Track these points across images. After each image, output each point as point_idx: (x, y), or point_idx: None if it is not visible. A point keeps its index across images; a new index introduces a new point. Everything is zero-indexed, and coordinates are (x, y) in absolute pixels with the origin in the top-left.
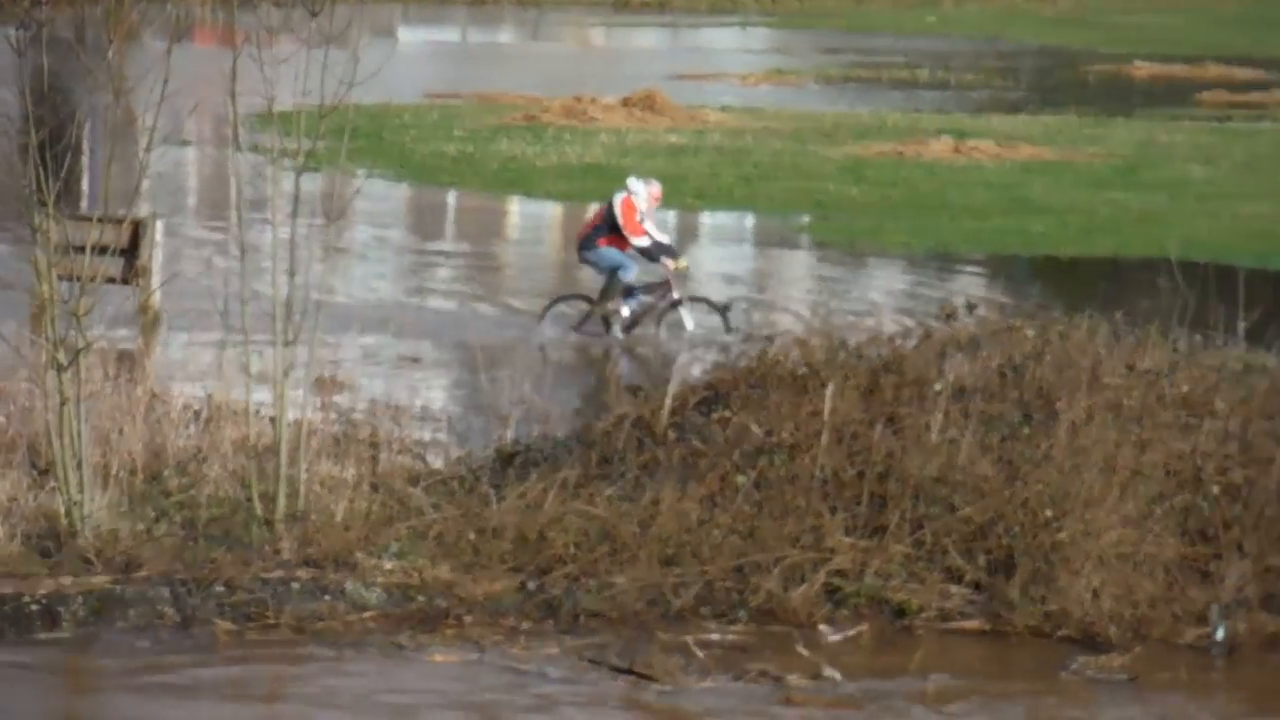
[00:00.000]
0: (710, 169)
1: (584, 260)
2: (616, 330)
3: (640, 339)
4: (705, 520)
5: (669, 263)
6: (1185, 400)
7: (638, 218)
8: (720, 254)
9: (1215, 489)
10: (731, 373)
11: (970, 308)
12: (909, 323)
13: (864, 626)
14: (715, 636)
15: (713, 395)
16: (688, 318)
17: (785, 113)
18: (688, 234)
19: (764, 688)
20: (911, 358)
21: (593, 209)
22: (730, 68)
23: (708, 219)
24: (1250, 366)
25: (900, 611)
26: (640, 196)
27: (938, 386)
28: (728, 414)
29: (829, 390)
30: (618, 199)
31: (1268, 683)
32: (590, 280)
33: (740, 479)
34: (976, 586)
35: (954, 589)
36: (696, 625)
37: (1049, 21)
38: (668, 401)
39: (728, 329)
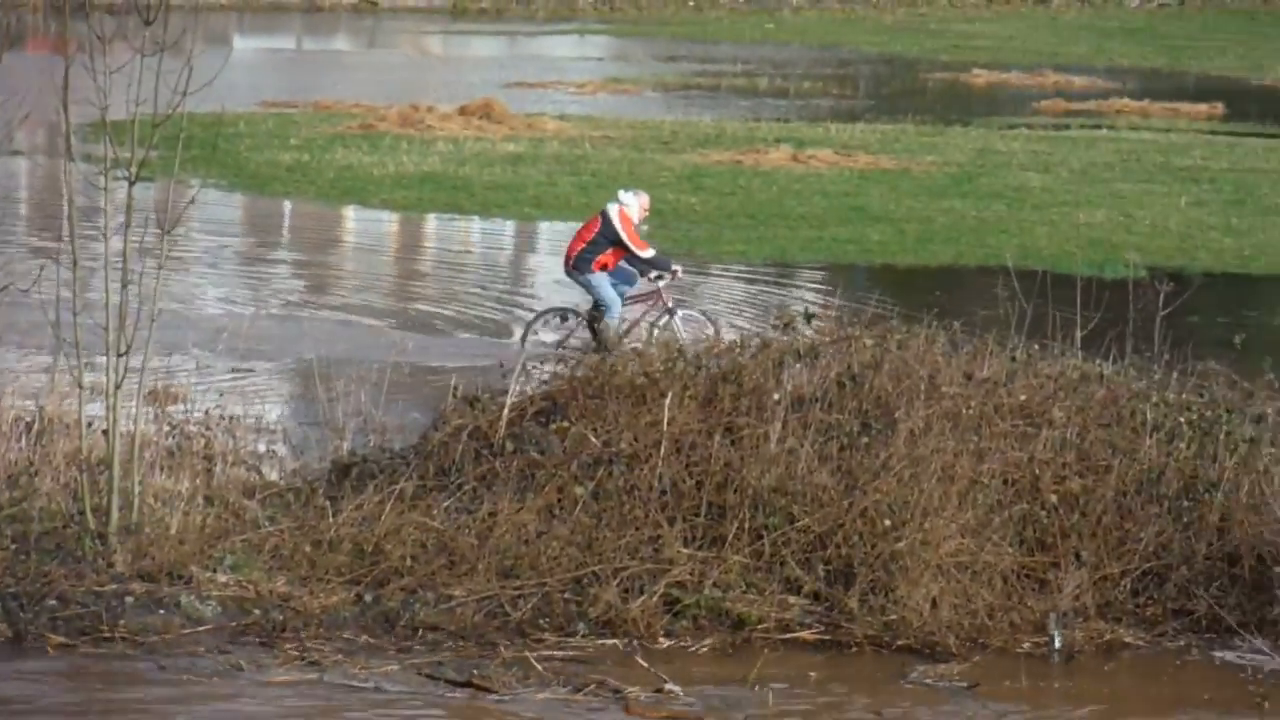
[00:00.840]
0: (548, 178)
1: (575, 279)
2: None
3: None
4: (543, 532)
5: (673, 270)
6: (1023, 409)
7: (636, 230)
8: (559, 264)
9: (1053, 498)
10: (570, 383)
11: (808, 317)
12: (748, 332)
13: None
14: (556, 652)
15: (551, 405)
16: (680, 326)
17: (623, 121)
18: (525, 244)
19: (603, 699)
20: (750, 367)
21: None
22: (568, 76)
23: (546, 228)
24: (1087, 375)
25: (739, 622)
26: (633, 208)
27: (776, 396)
28: (566, 424)
29: (667, 400)
30: (613, 211)
31: (1104, 690)
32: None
33: (578, 490)
34: (815, 597)
35: (793, 599)
36: (535, 637)
37: (887, 30)
38: (505, 412)
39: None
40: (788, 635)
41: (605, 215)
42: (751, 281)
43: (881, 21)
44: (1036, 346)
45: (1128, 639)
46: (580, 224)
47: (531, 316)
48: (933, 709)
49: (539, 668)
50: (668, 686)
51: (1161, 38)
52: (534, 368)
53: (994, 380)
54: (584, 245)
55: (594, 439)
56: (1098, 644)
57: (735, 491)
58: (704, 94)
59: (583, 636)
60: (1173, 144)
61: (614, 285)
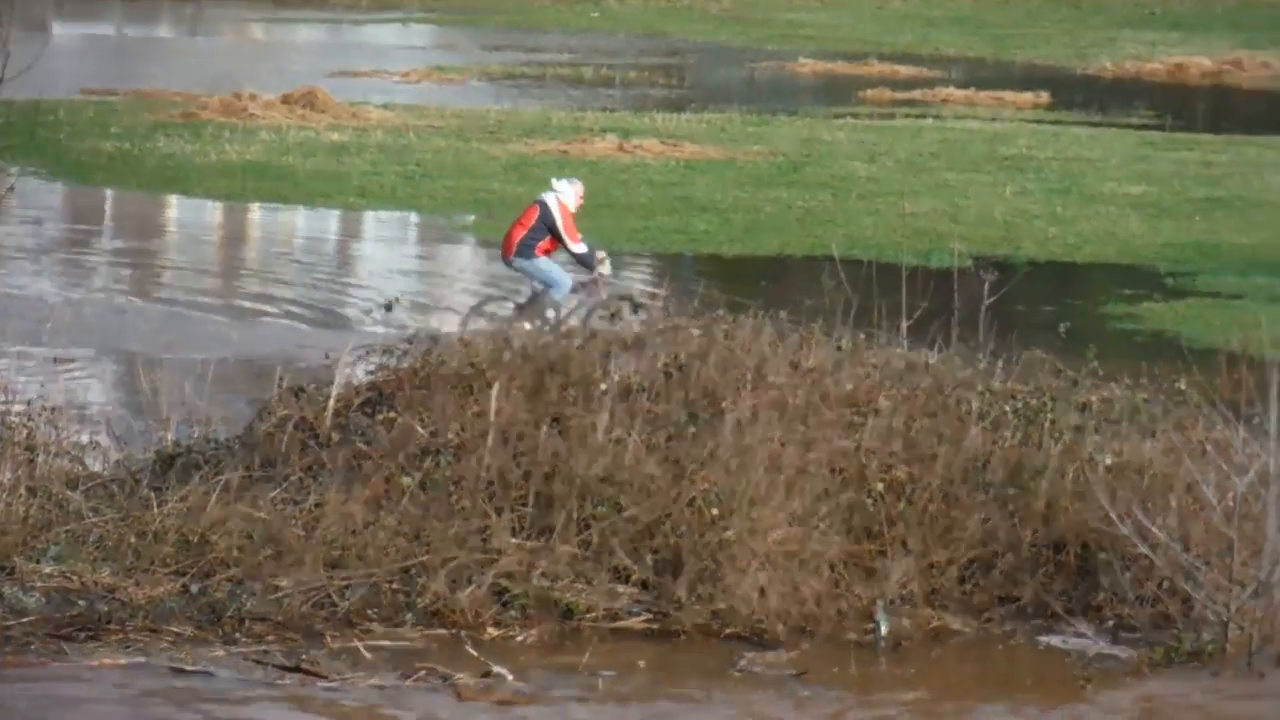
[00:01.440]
0: (372, 167)
1: (515, 268)
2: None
3: None
4: (371, 522)
5: (601, 267)
6: (849, 398)
7: (574, 220)
8: (384, 254)
9: (879, 486)
10: (396, 373)
11: (635, 307)
12: (573, 321)
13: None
14: (385, 642)
15: (377, 396)
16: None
17: (448, 110)
18: (351, 234)
19: (432, 685)
20: (577, 357)
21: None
22: (392, 65)
23: (371, 218)
24: (913, 364)
25: (568, 612)
26: (569, 196)
27: (603, 386)
28: (393, 415)
29: (494, 391)
30: (550, 201)
31: (931, 676)
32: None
33: (406, 480)
34: (644, 586)
35: (621, 589)
36: (363, 628)
37: (713, 18)
38: (331, 403)
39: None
40: (616, 624)
41: (544, 204)
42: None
43: (707, 11)
44: (863, 336)
45: (954, 626)
46: (513, 217)
47: (469, 309)
48: (760, 697)
49: (368, 656)
50: (495, 670)
51: (987, 27)
52: (360, 357)
53: (820, 370)
54: (525, 232)
55: (421, 429)
56: (925, 631)
57: (563, 482)
58: (530, 83)
59: (411, 627)
60: (998, 133)
61: (562, 266)
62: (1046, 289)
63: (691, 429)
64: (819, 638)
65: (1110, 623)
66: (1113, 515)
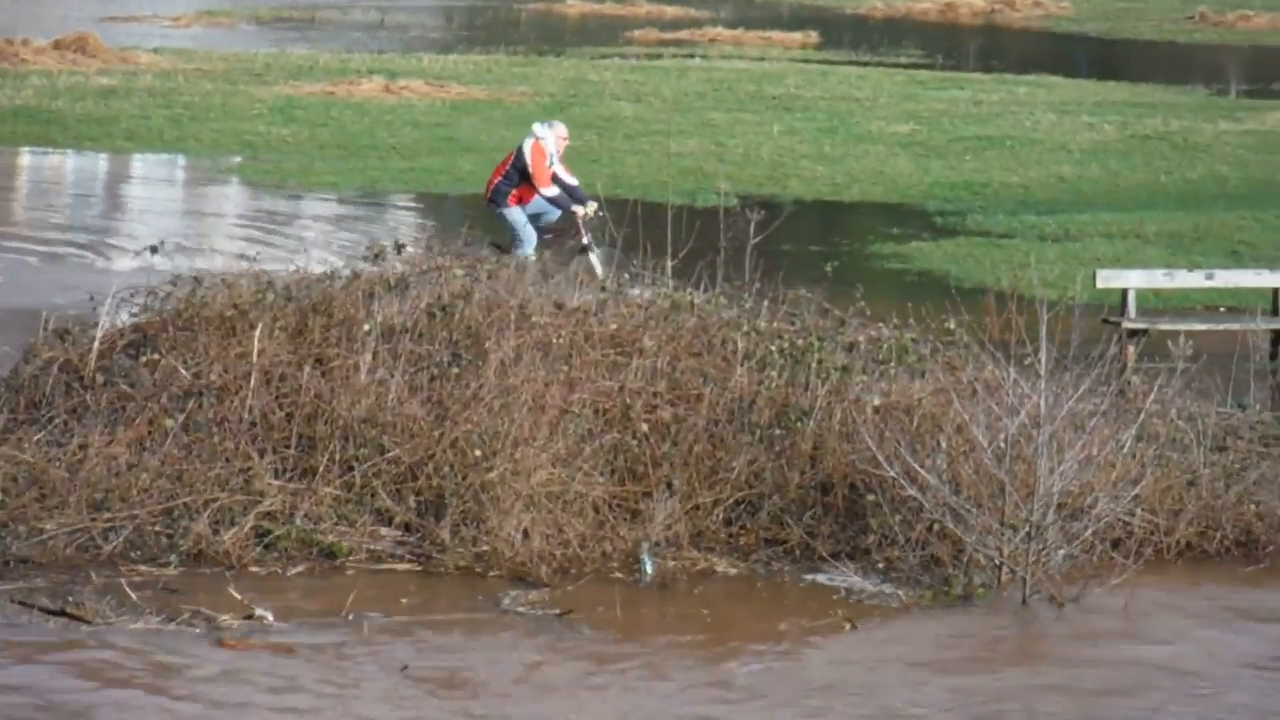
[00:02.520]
0: (141, 111)
1: (493, 213)
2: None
3: None
4: (134, 464)
5: (578, 208)
6: (613, 338)
7: (547, 164)
8: (151, 195)
9: (644, 427)
10: (160, 315)
11: (398, 248)
12: (337, 263)
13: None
14: (148, 580)
15: (142, 338)
16: (597, 263)
17: (216, 54)
18: (118, 177)
19: (197, 628)
20: (340, 298)
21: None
22: (162, 10)
23: (139, 161)
24: (678, 304)
25: (331, 553)
26: (548, 140)
27: (366, 327)
28: (156, 357)
29: (256, 332)
30: (527, 144)
31: (696, 617)
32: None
33: (168, 422)
34: (407, 528)
35: (384, 531)
36: (128, 568)
37: None
38: (95, 345)
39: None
40: (380, 566)
41: (519, 150)
42: (342, 214)
43: None
44: (627, 275)
45: (720, 567)
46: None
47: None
48: (524, 637)
49: (133, 596)
50: (258, 612)
51: None
52: (125, 300)
53: (584, 309)
54: (500, 179)
55: (184, 371)
56: (691, 572)
57: (326, 423)
58: (298, 26)
59: (174, 568)
60: (766, 72)
61: (532, 219)
62: (813, 228)
63: (455, 370)
64: (584, 578)
65: (880, 565)
66: (880, 457)
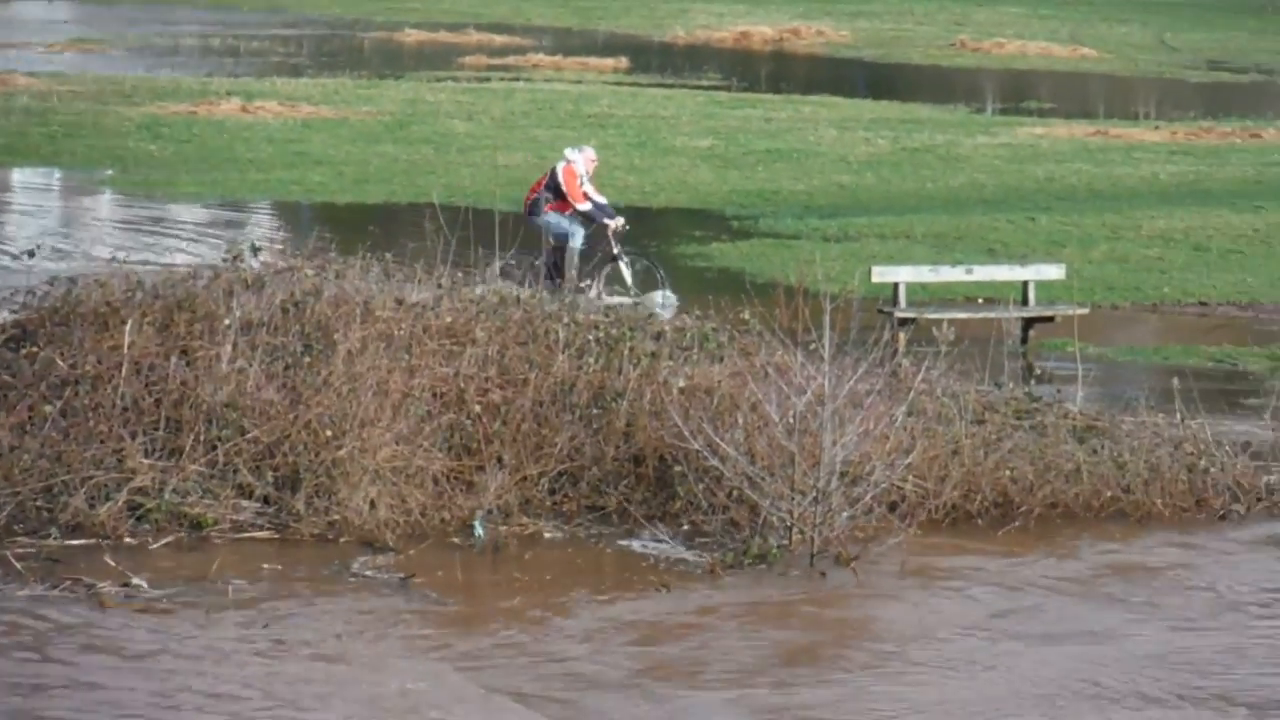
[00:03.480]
0: (18, 129)
1: (534, 223)
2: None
3: None
4: (15, 446)
5: (608, 222)
6: (449, 330)
7: (579, 184)
8: (29, 205)
9: (477, 408)
10: (39, 312)
11: (255, 250)
12: (200, 264)
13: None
14: (31, 551)
15: (21, 332)
16: (626, 271)
17: (89, 76)
18: None
19: (78, 594)
20: (203, 296)
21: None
22: (38, 38)
23: (17, 174)
24: (505, 299)
25: (197, 524)
26: (578, 163)
27: (227, 321)
28: (35, 349)
29: (127, 326)
30: (560, 167)
31: (527, 577)
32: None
33: (47, 408)
34: (266, 500)
35: (245, 503)
36: (13, 542)
37: None
38: None
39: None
40: (242, 535)
41: (553, 171)
42: (204, 220)
43: None
44: (460, 274)
45: (547, 532)
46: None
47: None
48: (372, 597)
49: (18, 566)
50: (134, 580)
51: (575, 1)
52: (6, 299)
53: (423, 305)
54: (536, 194)
55: (61, 362)
56: (520, 537)
57: (191, 408)
58: (163, 53)
59: (55, 540)
60: (583, 94)
61: (570, 220)
62: (629, 230)
63: (307, 359)
64: (425, 544)
65: (685, 528)
66: (685, 432)
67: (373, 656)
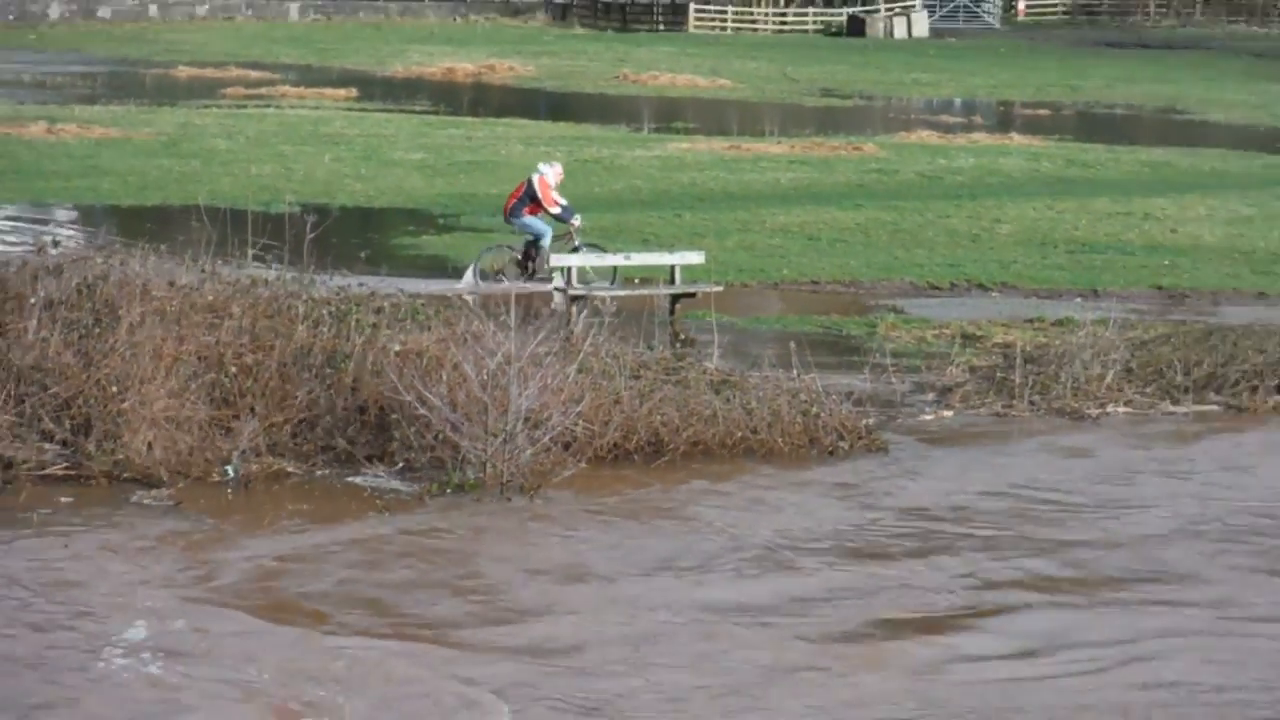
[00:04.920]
0: None
1: (512, 224)
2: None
3: None
4: None
5: (573, 221)
6: (211, 306)
7: (551, 192)
8: None
9: (233, 369)
10: None
11: (55, 243)
12: (12, 254)
13: None
14: None
15: None
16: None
17: None
18: None
19: None
20: (13, 279)
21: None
22: None
23: None
24: (256, 281)
25: (9, 464)
26: (549, 175)
27: (32, 300)
28: None
29: None
30: (535, 179)
31: (274, 505)
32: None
33: None
34: (64, 444)
35: (48, 446)
36: None
37: (118, 39)
38: None
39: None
40: (45, 472)
41: (529, 182)
42: (14, 219)
43: (114, 34)
44: (221, 261)
45: (290, 469)
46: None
47: (481, 250)
48: (149, 521)
49: None
50: None
51: (315, 42)
52: None
53: (190, 286)
54: (515, 201)
55: None
56: (268, 472)
57: (3, 369)
58: None
59: None
60: (320, 117)
61: (542, 220)
62: (355, 227)
63: (97, 330)
64: (193, 479)
65: (400, 465)
66: (400, 387)
67: (144, 559)
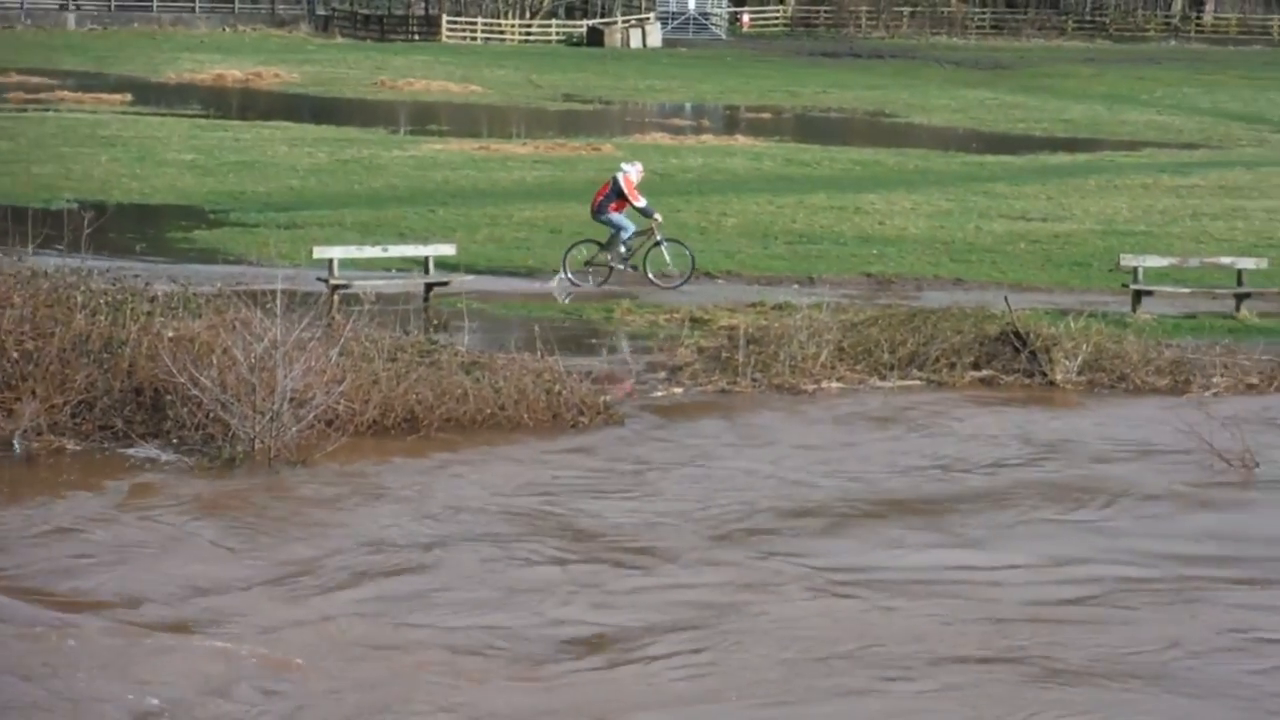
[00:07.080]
0: None
1: (599, 220)
2: (617, 265)
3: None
4: None
5: (655, 216)
6: None
7: (635, 188)
8: None
9: (15, 355)
10: None
11: None
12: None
13: None
14: None
15: None
16: (666, 253)
17: None
18: None
19: None
20: None
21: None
22: None
23: None
24: (37, 272)
25: None
26: (631, 173)
27: None
28: None
29: None
30: (620, 177)
31: (55, 480)
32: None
33: None
34: None
35: None
36: None
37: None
38: None
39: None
40: None
41: (615, 179)
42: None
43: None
44: (2, 254)
45: (70, 447)
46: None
47: (566, 249)
48: None
49: None
50: None
51: (92, 50)
52: None
53: None
54: (601, 198)
55: None
56: (49, 449)
57: None
58: None
59: None
60: (98, 121)
61: (626, 216)
62: (131, 222)
63: None
64: None
65: (175, 442)
66: (174, 370)
67: None
